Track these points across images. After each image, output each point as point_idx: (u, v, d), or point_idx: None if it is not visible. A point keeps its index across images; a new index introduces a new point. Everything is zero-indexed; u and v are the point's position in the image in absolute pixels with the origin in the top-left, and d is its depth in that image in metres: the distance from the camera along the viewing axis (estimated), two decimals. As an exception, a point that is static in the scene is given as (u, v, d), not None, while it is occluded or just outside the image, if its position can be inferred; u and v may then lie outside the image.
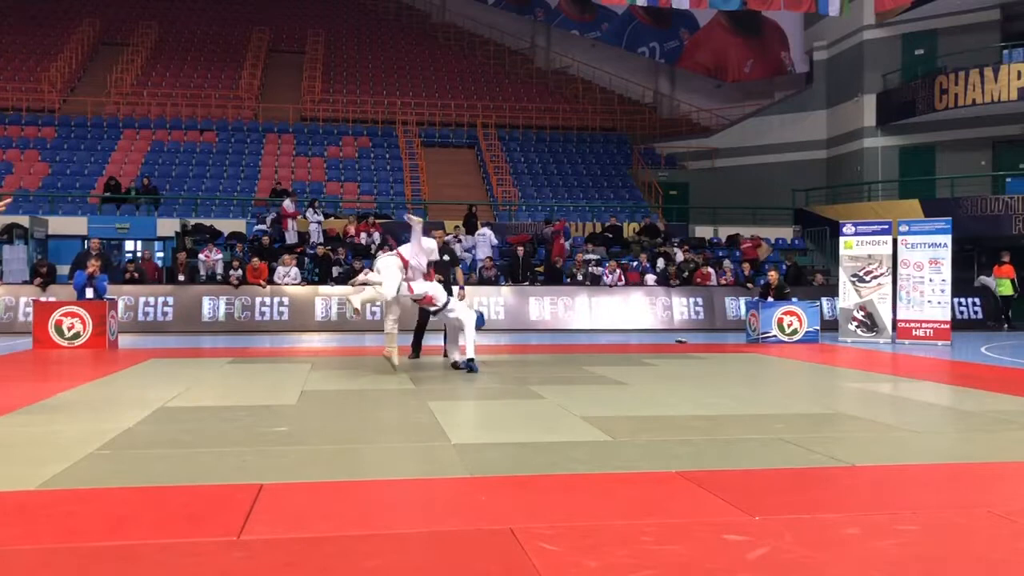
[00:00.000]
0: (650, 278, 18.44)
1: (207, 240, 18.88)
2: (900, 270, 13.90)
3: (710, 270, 18.61)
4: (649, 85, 31.74)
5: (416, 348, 10.35)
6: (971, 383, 8.33)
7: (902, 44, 23.57)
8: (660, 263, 19.18)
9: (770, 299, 13.98)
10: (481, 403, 6.81)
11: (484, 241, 19.13)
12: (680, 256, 19.59)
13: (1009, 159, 22.26)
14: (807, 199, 24.44)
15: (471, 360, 8.71)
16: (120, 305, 14.15)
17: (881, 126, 23.50)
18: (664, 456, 4.77)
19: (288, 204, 19.61)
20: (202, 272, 17.32)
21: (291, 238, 19.14)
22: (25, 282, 15.98)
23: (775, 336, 13.44)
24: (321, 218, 19.97)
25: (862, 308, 13.91)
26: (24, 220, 18.53)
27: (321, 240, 19.13)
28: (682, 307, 17.52)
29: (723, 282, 18.40)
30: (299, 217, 19.70)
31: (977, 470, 4.56)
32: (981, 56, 21.36)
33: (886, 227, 13.96)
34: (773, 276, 14.72)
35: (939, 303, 13.59)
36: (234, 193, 22.67)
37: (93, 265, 12.84)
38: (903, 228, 14.05)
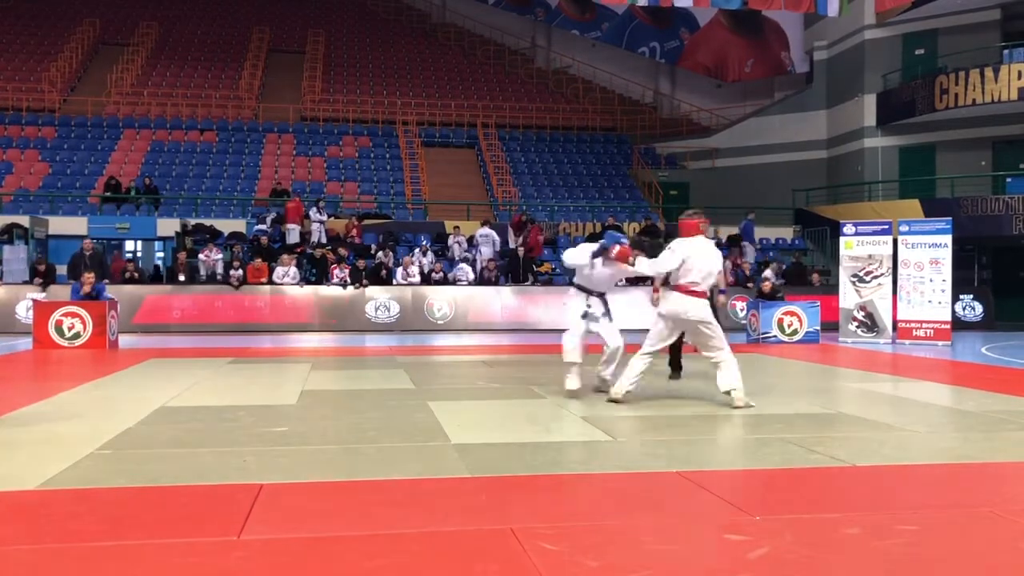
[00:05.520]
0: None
1: (207, 240, 18.89)
2: (900, 270, 13.88)
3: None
4: (649, 85, 31.72)
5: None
6: (971, 383, 8.33)
7: (902, 44, 23.54)
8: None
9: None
10: (481, 403, 6.80)
11: (487, 241, 19.09)
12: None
13: (1009, 159, 22.24)
14: (807, 199, 24.41)
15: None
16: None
17: (881, 126, 23.47)
18: (664, 456, 4.77)
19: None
20: (202, 272, 17.33)
21: (292, 238, 19.15)
22: (25, 282, 15.97)
23: (775, 336, 13.44)
24: (324, 218, 19.98)
25: (862, 308, 13.90)
26: (24, 220, 18.51)
27: (323, 240, 19.13)
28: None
29: (723, 282, 18.35)
30: (303, 217, 19.76)
31: (977, 470, 4.55)
32: (981, 56, 21.33)
33: (886, 227, 13.95)
34: (767, 286, 14.50)
35: (939, 303, 13.59)
36: (234, 193, 22.67)
37: (88, 282, 12.39)
38: (903, 228, 14.04)
